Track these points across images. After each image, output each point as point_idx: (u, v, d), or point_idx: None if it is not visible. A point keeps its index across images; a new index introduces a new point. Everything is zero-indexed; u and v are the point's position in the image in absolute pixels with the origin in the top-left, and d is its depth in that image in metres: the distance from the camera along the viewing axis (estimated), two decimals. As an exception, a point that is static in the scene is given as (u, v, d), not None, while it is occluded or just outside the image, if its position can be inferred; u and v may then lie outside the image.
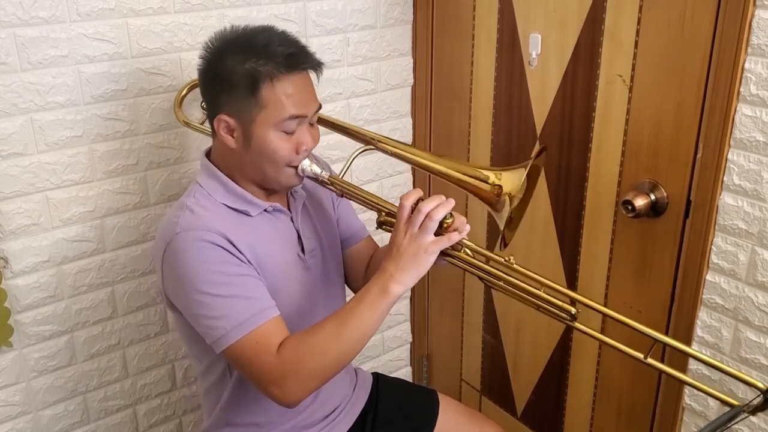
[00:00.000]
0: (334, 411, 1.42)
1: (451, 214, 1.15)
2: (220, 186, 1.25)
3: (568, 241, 1.73)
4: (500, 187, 1.20)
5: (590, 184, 1.64)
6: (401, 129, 2.04)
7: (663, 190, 1.48)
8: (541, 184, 1.75)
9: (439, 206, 1.13)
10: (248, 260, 1.19)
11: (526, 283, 1.14)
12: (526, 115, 1.74)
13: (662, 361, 1.08)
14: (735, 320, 1.41)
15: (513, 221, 1.23)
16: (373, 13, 1.86)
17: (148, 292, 1.69)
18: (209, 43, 1.22)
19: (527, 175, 1.19)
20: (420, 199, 1.15)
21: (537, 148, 1.36)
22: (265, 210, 1.27)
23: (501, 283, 1.17)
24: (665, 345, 1.07)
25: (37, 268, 1.52)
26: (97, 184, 1.55)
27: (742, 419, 0.97)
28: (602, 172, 1.60)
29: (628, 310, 1.64)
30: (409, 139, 2.08)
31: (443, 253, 1.16)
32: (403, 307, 2.28)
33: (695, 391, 1.51)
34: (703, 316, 1.46)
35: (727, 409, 0.97)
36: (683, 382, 1.09)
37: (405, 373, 2.35)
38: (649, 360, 1.08)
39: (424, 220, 1.12)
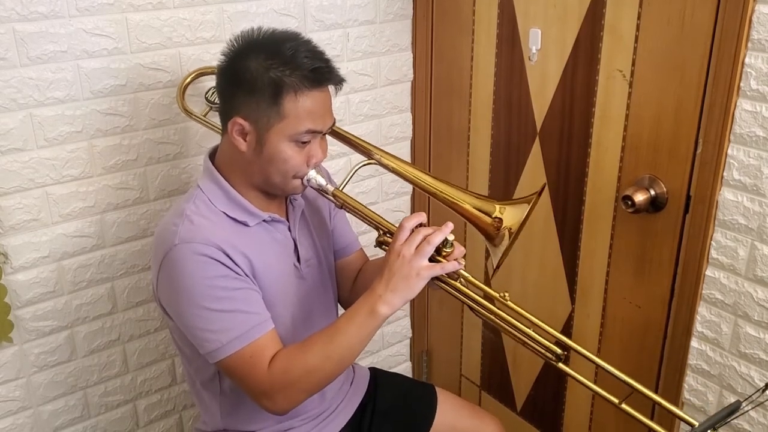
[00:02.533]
0: (330, 406, 1.43)
1: (451, 243, 1.16)
2: (222, 193, 1.24)
3: (568, 237, 1.73)
4: (501, 220, 1.20)
5: (590, 180, 1.64)
6: (401, 124, 2.04)
7: (663, 186, 1.48)
8: (541, 179, 1.75)
9: (438, 231, 1.13)
10: (245, 272, 1.19)
11: (518, 320, 1.16)
12: (526, 110, 1.74)
13: (657, 383, 1.08)
14: (734, 315, 1.41)
15: (505, 252, 1.23)
16: (372, 8, 1.86)
17: (148, 288, 1.69)
18: (234, 42, 1.21)
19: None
20: (421, 225, 1.15)
21: (540, 186, 1.37)
22: (263, 220, 1.26)
23: (491, 316, 1.18)
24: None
25: (37, 264, 1.52)
26: (97, 180, 1.55)
27: (742, 414, 0.97)
28: (602, 168, 1.60)
29: (628, 305, 1.64)
30: (408, 135, 2.08)
31: (436, 279, 1.17)
32: (403, 302, 2.28)
33: (695, 386, 1.51)
34: (702, 311, 1.46)
35: (729, 403, 0.98)
36: None
37: (405, 368, 2.35)
38: (623, 406, 1.11)
39: (421, 243, 1.13)
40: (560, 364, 1.15)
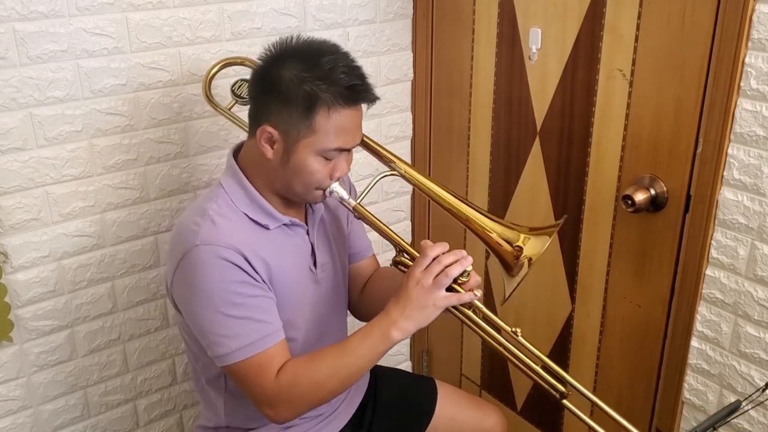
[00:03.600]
0: (332, 406, 1.43)
1: (467, 272, 1.16)
2: (244, 194, 1.24)
3: (568, 236, 1.73)
4: (521, 248, 1.19)
5: (590, 179, 1.64)
6: (401, 124, 2.04)
7: (663, 185, 1.48)
8: (541, 178, 1.75)
9: (458, 263, 1.14)
10: (262, 278, 1.19)
11: (527, 355, 1.17)
12: (526, 109, 1.74)
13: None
14: (734, 315, 1.41)
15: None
16: (372, 8, 1.86)
17: (148, 287, 1.69)
18: (271, 48, 1.20)
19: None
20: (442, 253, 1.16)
21: (562, 219, 1.37)
22: (283, 224, 1.26)
23: (500, 348, 1.19)
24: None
25: (37, 263, 1.52)
26: (97, 179, 1.55)
27: (742, 413, 0.97)
28: (602, 167, 1.60)
29: (628, 304, 1.64)
30: (409, 134, 2.07)
31: (452, 306, 1.18)
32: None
33: (695, 385, 1.51)
34: (702, 310, 1.46)
35: (729, 402, 0.98)
36: None
37: (405, 367, 2.35)
38: None
39: (439, 274, 1.13)
40: (564, 401, 1.18)
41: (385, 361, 2.26)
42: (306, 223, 1.33)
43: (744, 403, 0.98)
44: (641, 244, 1.56)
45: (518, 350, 1.18)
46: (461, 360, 2.21)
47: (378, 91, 1.93)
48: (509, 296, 1.22)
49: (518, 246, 1.20)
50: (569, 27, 1.59)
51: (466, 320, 1.20)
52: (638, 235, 1.57)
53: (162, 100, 1.58)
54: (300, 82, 1.14)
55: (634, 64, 1.48)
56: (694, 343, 1.49)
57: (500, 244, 1.21)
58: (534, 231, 1.20)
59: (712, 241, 1.40)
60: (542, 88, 1.69)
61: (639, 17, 1.44)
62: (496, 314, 1.20)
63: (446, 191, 1.28)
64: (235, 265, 1.15)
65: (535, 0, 1.65)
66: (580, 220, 1.69)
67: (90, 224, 1.57)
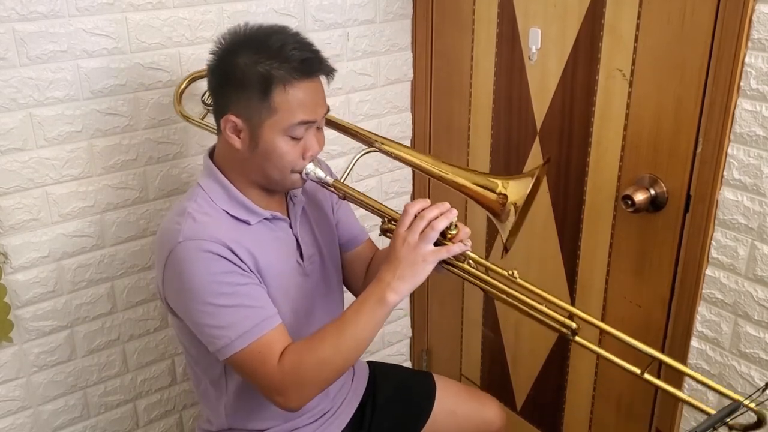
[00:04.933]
0: (334, 405, 1.43)
1: (455, 225, 1.15)
2: (222, 191, 1.24)
3: (568, 236, 1.73)
4: (506, 196, 1.19)
5: (590, 179, 1.64)
6: (400, 124, 2.04)
7: (663, 185, 1.48)
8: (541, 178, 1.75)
9: (442, 216, 1.13)
10: (250, 268, 1.19)
11: (529, 297, 1.14)
12: (526, 109, 1.74)
13: (659, 374, 1.08)
14: (734, 315, 1.41)
15: (515, 229, 1.23)
16: (372, 8, 1.86)
17: (147, 288, 1.69)
18: (221, 40, 1.21)
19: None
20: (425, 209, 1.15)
21: (543, 160, 1.36)
22: (265, 218, 1.26)
23: (503, 296, 1.17)
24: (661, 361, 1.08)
25: (36, 264, 1.52)
26: (97, 180, 1.55)
27: (741, 414, 0.97)
28: (602, 167, 1.60)
29: (628, 304, 1.64)
30: (408, 134, 2.07)
31: (444, 262, 1.16)
32: (403, 302, 2.28)
33: (695, 386, 1.51)
34: (702, 310, 1.46)
35: (727, 402, 0.98)
36: (680, 399, 1.11)
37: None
38: (646, 376, 1.08)
39: (425, 229, 1.12)
40: (576, 338, 1.12)
41: (384, 361, 2.26)
42: (288, 217, 1.33)
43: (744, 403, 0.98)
44: (641, 244, 1.56)
45: (520, 294, 1.14)
46: (461, 360, 2.21)
47: (378, 91, 1.97)
48: (508, 246, 1.21)
49: (502, 194, 1.19)
50: (569, 27, 1.59)
51: (464, 274, 1.18)
52: (638, 235, 1.57)
53: (162, 101, 1.58)
54: (253, 65, 1.14)
55: (633, 64, 1.48)
56: (694, 343, 1.49)
57: (484, 195, 1.20)
58: (514, 177, 1.21)
59: (712, 241, 1.40)
60: (542, 88, 1.69)
61: (639, 17, 1.44)
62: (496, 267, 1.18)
63: (425, 155, 1.30)
64: (221, 256, 1.14)
65: (535, 0, 1.65)
66: (580, 220, 1.69)
67: (89, 224, 1.57)
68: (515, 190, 1.18)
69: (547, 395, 1.95)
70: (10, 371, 1.55)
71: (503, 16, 1.74)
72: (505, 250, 1.23)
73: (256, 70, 1.14)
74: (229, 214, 1.23)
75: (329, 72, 1.22)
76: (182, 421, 1.87)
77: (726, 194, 1.36)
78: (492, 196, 1.20)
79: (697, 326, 1.48)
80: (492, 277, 1.17)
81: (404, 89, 2.02)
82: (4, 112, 1.40)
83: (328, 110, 1.25)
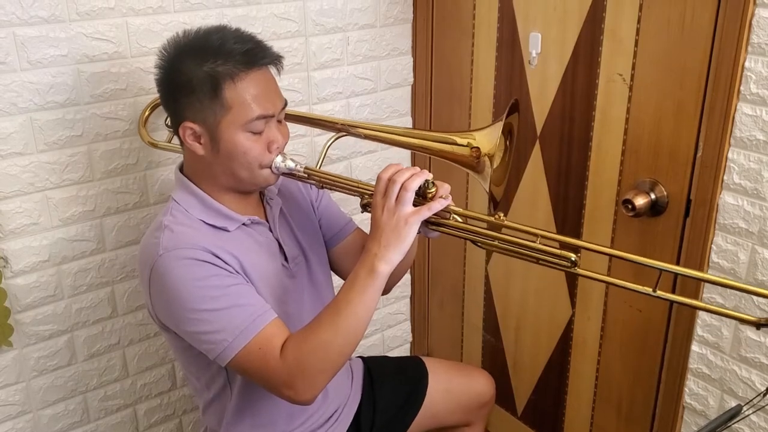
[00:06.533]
0: (337, 410, 1.43)
1: (433, 183, 1.14)
2: (197, 201, 1.22)
3: (568, 240, 1.73)
4: (478, 149, 1.18)
5: (590, 183, 1.64)
6: (401, 128, 2.04)
7: (663, 189, 1.48)
8: (541, 183, 1.75)
9: (414, 176, 1.11)
10: (235, 270, 1.17)
11: (521, 238, 1.12)
12: (526, 114, 1.74)
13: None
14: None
15: (498, 179, 1.21)
16: (373, 12, 1.86)
17: (148, 292, 1.69)
18: (163, 51, 1.19)
19: (504, 132, 1.17)
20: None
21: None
22: (243, 224, 1.25)
23: (496, 243, 1.14)
24: (675, 274, 1.05)
25: (36, 268, 1.52)
26: (97, 184, 1.55)
27: (743, 418, 0.97)
28: (602, 171, 1.60)
29: (629, 308, 1.64)
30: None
31: (431, 223, 1.15)
32: (403, 306, 2.27)
33: (695, 390, 1.51)
34: (703, 315, 1.46)
35: (730, 407, 0.97)
36: (696, 308, 1.09)
37: (405, 372, 2.35)
38: (659, 292, 1.06)
39: (399, 192, 1.10)
40: (577, 269, 1.10)
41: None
42: (267, 220, 1.31)
43: (745, 408, 0.97)
44: (641, 249, 1.56)
45: (513, 237, 1.12)
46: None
47: (378, 95, 1.97)
48: (494, 202, 1.20)
49: (475, 147, 1.18)
50: (569, 31, 1.59)
51: (453, 231, 1.16)
52: (638, 240, 1.56)
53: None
54: (198, 68, 1.14)
55: (634, 68, 1.48)
56: (695, 347, 1.49)
57: (454, 152, 1.21)
58: (481, 128, 1.21)
59: (713, 246, 1.40)
60: (542, 92, 1.69)
61: (639, 21, 1.44)
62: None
63: (394, 128, 1.33)
64: (204, 261, 1.13)
65: (535, 4, 1.65)
66: (580, 224, 1.69)
67: (90, 229, 1.57)
68: (485, 140, 1.18)
69: (548, 400, 1.94)
70: (9, 376, 1.55)
71: (503, 21, 1.74)
72: (493, 203, 1.21)
73: (201, 71, 1.13)
74: (206, 223, 1.21)
75: (275, 59, 1.20)
76: (182, 425, 1.87)
77: (726, 198, 1.36)
78: (465, 151, 1.19)
79: (698, 330, 1.47)
80: (481, 228, 1.15)
81: (404, 93, 2.02)
82: (5, 117, 1.40)
83: (286, 104, 1.23)
